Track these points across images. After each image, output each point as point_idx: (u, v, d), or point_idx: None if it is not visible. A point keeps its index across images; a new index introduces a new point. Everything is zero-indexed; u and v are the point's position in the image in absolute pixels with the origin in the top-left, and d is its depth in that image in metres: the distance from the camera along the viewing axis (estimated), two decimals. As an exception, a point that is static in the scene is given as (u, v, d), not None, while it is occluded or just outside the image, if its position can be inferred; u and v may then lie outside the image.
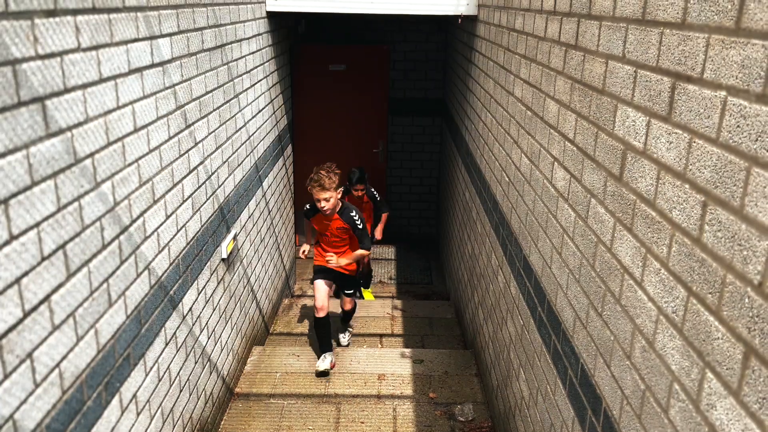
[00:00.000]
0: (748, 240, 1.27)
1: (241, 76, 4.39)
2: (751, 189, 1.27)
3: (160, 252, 2.89)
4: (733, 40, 1.34)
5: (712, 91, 1.43)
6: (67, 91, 2.03)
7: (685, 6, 1.57)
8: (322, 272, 5.00)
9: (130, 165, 2.54)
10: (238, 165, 4.39)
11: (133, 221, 2.58)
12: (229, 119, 4.10)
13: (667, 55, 1.67)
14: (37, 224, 1.88)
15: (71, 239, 2.07)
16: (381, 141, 7.79)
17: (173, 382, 3.15)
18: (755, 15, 1.26)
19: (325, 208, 4.55)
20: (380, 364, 4.89)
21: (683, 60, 1.57)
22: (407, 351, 5.13)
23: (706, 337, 1.43)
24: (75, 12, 2.07)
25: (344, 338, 5.51)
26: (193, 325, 3.44)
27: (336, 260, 4.82)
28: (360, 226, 4.74)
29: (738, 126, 1.32)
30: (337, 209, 4.69)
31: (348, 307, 5.35)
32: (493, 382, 4.16)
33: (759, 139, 1.24)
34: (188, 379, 3.39)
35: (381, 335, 5.78)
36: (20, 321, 1.80)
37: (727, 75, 1.37)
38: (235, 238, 4.28)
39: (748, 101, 1.28)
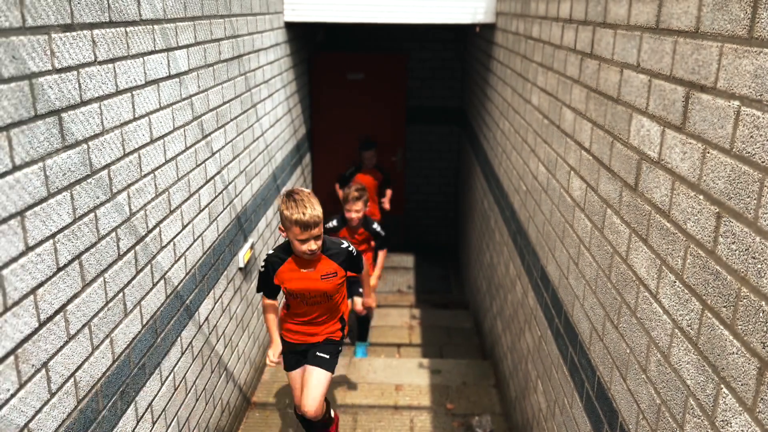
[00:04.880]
0: (762, 253, 1.24)
1: (258, 85, 4.42)
2: (765, 201, 1.24)
3: (176, 262, 2.91)
4: (746, 50, 1.32)
5: (725, 100, 1.40)
6: (83, 103, 2.06)
7: (698, 14, 1.55)
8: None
9: (146, 176, 2.56)
10: (256, 174, 4.42)
11: (149, 231, 2.61)
12: (246, 129, 4.13)
13: (681, 63, 1.64)
14: (53, 235, 1.90)
15: (87, 250, 2.10)
16: (399, 149, 7.79)
17: (189, 391, 3.16)
18: (768, 24, 1.24)
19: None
20: (398, 374, 4.87)
21: (697, 69, 1.55)
22: (425, 361, 5.10)
23: (721, 352, 1.40)
24: (92, 26, 2.10)
25: None
26: (209, 334, 3.46)
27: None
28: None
29: (751, 136, 1.29)
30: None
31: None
32: (512, 393, 4.11)
33: (773, 149, 1.22)
34: (204, 388, 3.41)
35: (399, 345, 5.75)
36: (36, 331, 1.83)
37: (740, 84, 1.34)
38: (252, 247, 4.30)
39: (761, 111, 1.26)
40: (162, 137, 2.72)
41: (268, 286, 3.27)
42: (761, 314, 1.24)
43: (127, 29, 2.36)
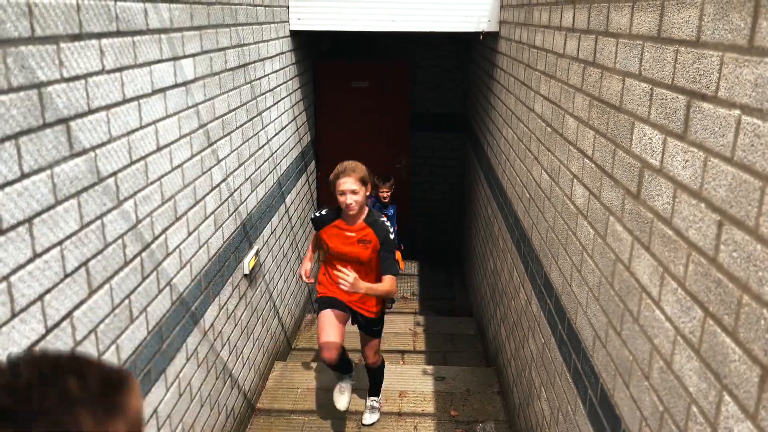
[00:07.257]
0: (763, 261, 1.25)
1: (264, 94, 4.45)
2: (765, 209, 1.25)
3: (182, 268, 2.93)
4: (747, 59, 1.33)
5: (726, 109, 1.42)
6: (91, 112, 2.08)
7: (699, 24, 1.57)
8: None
9: (152, 183, 2.58)
10: (261, 182, 4.44)
11: (155, 238, 2.63)
12: (252, 137, 4.15)
13: (682, 72, 1.66)
14: (60, 242, 1.92)
15: (93, 256, 2.12)
16: (404, 156, 7.81)
17: (194, 398, 3.17)
18: (768, 34, 1.25)
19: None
20: (402, 381, 4.86)
21: (698, 78, 1.56)
22: (429, 368, 5.10)
23: (723, 359, 1.40)
24: (99, 35, 2.12)
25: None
26: (214, 340, 3.48)
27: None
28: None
29: (752, 145, 1.30)
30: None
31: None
32: (515, 400, 4.11)
33: (773, 158, 1.23)
34: (209, 395, 3.42)
35: (403, 352, 5.76)
36: (43, 337, 1.84)
37: (740, 93, 1.35)
38: (257, 253, 4.32)
39: (761, 120, 1.27)
40: (168, 145, 2.74)
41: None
42: (763, 322, 1.25)
43: (135, 39, 2.39)
